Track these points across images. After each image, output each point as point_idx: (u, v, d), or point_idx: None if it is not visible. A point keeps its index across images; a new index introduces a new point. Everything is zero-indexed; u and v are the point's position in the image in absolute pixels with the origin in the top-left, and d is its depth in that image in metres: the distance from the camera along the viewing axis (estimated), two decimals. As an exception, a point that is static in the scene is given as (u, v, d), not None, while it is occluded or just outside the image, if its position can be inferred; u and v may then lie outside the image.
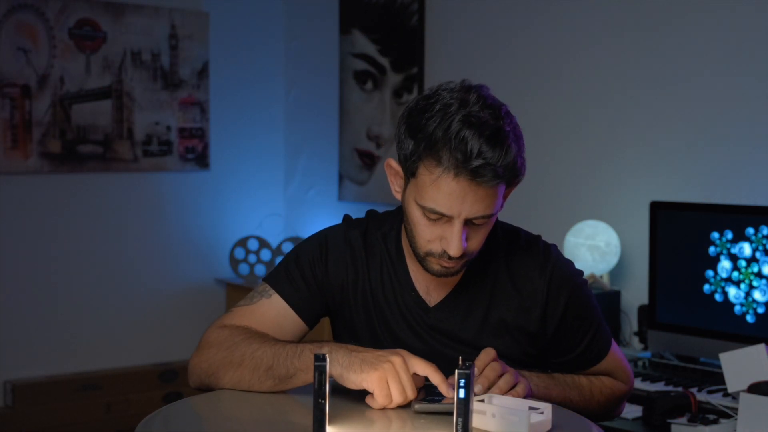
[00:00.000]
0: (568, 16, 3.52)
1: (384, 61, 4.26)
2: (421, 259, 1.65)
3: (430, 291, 1.74)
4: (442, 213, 1.57)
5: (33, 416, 4.00)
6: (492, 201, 1.58)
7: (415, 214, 1.62)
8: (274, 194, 4.80)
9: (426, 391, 1.56)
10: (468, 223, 1.59)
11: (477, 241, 1.63)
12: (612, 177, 3.37)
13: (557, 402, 1.65)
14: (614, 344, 1.84)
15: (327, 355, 1.38)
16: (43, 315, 4.16)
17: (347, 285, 1.77)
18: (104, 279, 4.31)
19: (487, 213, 1.58)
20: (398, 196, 1.69)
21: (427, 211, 1.59)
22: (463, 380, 1.33)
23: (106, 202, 4.32)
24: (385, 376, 1.49)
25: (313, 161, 4.70)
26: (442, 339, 1.73)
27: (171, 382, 4.34)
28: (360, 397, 1.54)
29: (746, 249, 2.70)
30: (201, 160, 4.52)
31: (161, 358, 4.42)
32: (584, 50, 3.47)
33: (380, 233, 1.79)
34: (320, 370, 1.36)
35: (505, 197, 1.64)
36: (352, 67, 4.41)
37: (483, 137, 1.54)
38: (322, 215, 4.60)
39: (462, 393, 1.33)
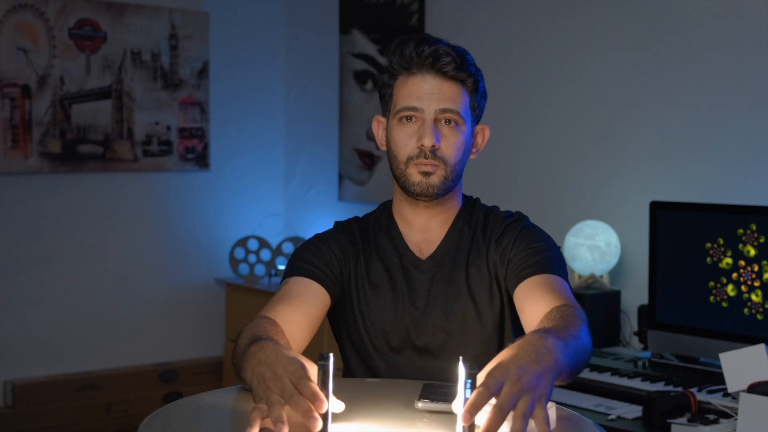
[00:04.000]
0: (569, 17, 3.52)
1: (384, 61, 4.25)
2: (404, 178, 1.83)
3: (421, 249, 1.89)
4: (414, 107, 1.80)
5: (33, 416, 4.01)
6: (457, 98, 1.81)
7: (395, 130, 1.84)
8: (274, 194, 4.81)
9: (428, 389, 1.56)
10: (439, 125, 1.80)
11: (449, 148, 1.81)
12: (612, 177, 3.37)
13: (568, 356, 1.45)
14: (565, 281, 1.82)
15: (331, 355, 1.37)
16: (43, 315, 4.16)
17: (349, 261, 1.89)
18: (104, 279, 4.31)
19: (452, 108, 1.80)
20: (383, 145, 1.91)
21: (402, 113, 1.82)
22: (469, 380, 1.32)
23: (106, 202, 4.32)
24: (259, 411, 1.37)
25: (313, 161, 4.70)
26: (436, 288, 1.86)
27: (171, 382, 4.34)
28: (362, 397, 1.53)
29: (745, 249, 2.70)
30: (201, 160, 4.52)
31: (161, 358, 4.42)
32: (585, 50, 3.47)
33: (372, 216, 1.96)
34: (323, 369, 1.36)
35: (476, 136, 1.88)
36: (352, 67, 4.41)
37: (439, 43, 1.83)
38: (322, 215, 4.60)
39: (468, 394, 1.33)
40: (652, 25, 3.26)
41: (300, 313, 1.75)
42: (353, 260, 1.90)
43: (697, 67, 3.14)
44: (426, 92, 1.80)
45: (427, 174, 1.81)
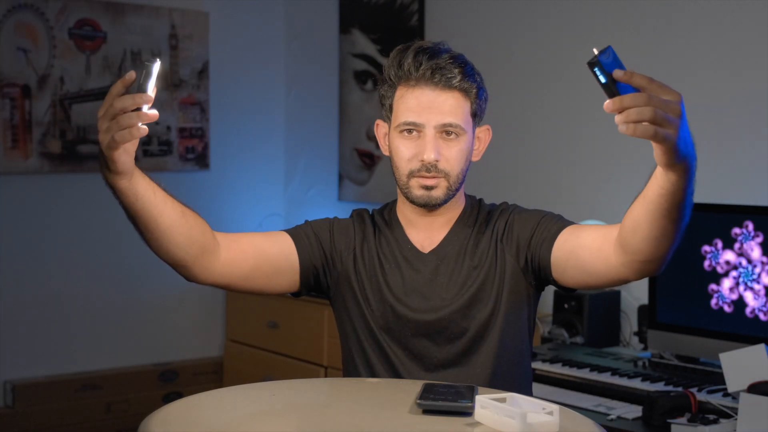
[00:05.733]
0: (569, 16, 3.52)
1: (384, 61, 4.25)
2: (406, 189, 1.87)
3: (424, 246, 1.94)
4: (415, 122, 1.83)
5: (33, 416, 4.01)
6: (456, 110, 1.83)
7: (396, 142, 1.87)
8: (274, 194, 4.81)
9: (428, 389, 1.56)
10: (439, 137, 1.83)
11: (450, 161, 1.84)
12: (612, 177, 3.37)
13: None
14: None
15: (157, 60, 1.60)
16: (43, 315, 4.16)
17: (352, 247, 1.98)
18: (104, 279, 4.31)
19: (452, 121, 1.82)
20: (386, 151, 1.94)
21: (404, 127, 1.85)
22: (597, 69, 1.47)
23: (106, 202, 4.26)
24: (105, 137, 1.73)
25: (313, 161, 4.70)
26: (440, 278, 1.89)
27: (171, 382, 4.34)
28: (362, 397, 1.53)
29: (745, 249, 2.70)
30: (201, 160, 4.52)
31: (161, 358, 4.42)
32: (585, 51, 3.46)
33: (377, 212, 2.04)
34: (146, 69, 1.59)
35: (478, 138, 1.91)
36: (352, 67, 4.41)
37: (438, 54, 1.85)
38: (322, 215, 4.57)
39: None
40: (651, 25, 3.26)
41: (250, 238, 2.02)
42: (360, 246, 1.97)
43: (696, 67, 3.14)
44: (425, 106, 1.83)
45: (428, 188, 1.86)
